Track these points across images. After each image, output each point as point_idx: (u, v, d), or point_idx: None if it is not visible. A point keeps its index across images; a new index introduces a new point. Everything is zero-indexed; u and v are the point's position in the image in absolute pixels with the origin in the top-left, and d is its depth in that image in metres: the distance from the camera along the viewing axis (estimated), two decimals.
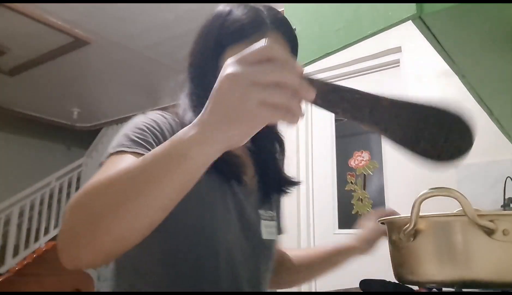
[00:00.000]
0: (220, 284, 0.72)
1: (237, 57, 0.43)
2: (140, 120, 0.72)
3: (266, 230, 0.82)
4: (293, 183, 0.90)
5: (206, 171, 0.48)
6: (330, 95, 0.44)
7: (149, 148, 0.66)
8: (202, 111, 0.45)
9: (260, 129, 0.44)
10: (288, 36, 0.77)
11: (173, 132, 0.71)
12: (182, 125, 0.64)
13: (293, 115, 0.42)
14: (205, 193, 0.73)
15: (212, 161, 0.47)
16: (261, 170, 0.85)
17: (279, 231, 0.91)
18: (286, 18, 0.78)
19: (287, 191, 0.89)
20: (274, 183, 0.86)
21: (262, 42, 0.43)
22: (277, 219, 0.89)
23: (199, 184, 0.50)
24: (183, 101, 0.79)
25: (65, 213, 0.53)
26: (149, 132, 0.70)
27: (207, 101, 0.45)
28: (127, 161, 0.62)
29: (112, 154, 0.66)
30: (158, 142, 0.68)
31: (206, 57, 0.78)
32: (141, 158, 0.50)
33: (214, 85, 0.44)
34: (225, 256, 0.73)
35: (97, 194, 0.51)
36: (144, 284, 0.72)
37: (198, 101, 0.76)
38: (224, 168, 0.74)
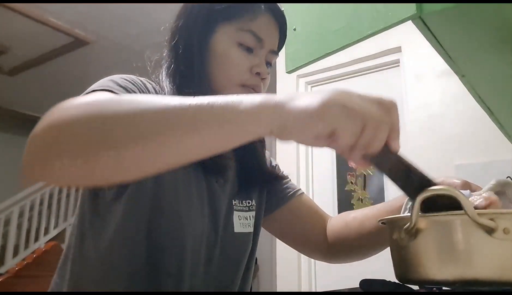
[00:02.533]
0: (183, 271, 0.68)
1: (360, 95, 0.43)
2: (127, 75, 0.69)
3: (240, 222, 0.78)
4: (274, 174, 0.87)
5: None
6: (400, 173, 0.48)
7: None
8: (281, 99, 0.44)
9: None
10: (279, 18, 0.77)
11: None
12: None
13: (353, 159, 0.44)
14: (179, 180, 0.69)
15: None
16: (239, 157, 0.81)
17: (259, 221, 0.85)
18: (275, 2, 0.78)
19: (268, 182, 0.85)
20: (253, 172, 0.82)
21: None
22: (258, 209, 0.84)
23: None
24: (164, 79, 0.75)
25: (53, 114, 0.48)
26: (137, 85, 0.67)
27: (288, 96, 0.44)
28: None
29: (96, 91, 0.60)
30: None
31: (193, 33, 0.74)
32: (185, 98, 0.45)
33: (317, 94, 0.43)
34: (191, 248, 0.69)
35: (118, 113, 0.45)
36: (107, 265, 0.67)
37: (181, 80, 0.73)
38: (209, 163, 0.71)
